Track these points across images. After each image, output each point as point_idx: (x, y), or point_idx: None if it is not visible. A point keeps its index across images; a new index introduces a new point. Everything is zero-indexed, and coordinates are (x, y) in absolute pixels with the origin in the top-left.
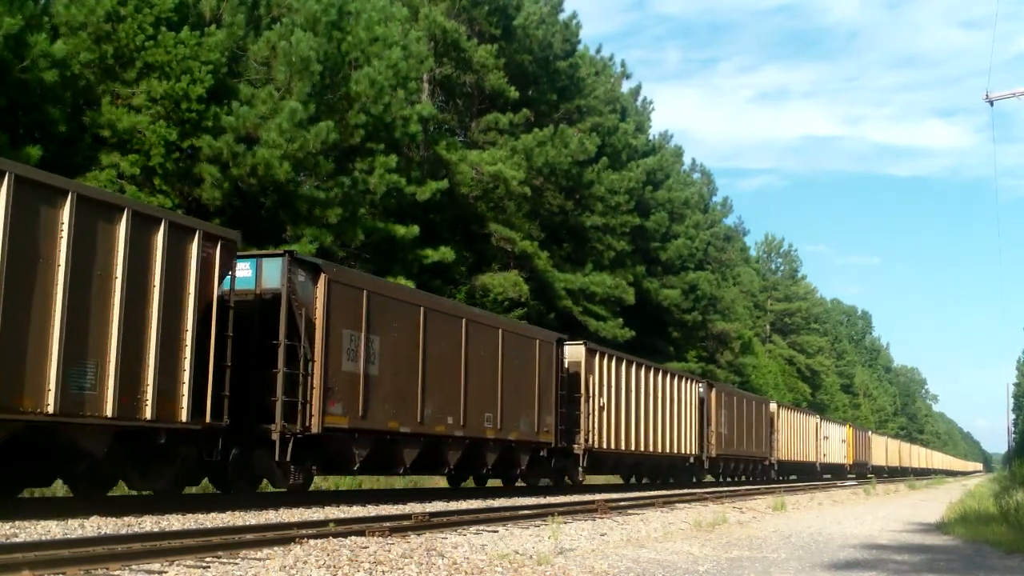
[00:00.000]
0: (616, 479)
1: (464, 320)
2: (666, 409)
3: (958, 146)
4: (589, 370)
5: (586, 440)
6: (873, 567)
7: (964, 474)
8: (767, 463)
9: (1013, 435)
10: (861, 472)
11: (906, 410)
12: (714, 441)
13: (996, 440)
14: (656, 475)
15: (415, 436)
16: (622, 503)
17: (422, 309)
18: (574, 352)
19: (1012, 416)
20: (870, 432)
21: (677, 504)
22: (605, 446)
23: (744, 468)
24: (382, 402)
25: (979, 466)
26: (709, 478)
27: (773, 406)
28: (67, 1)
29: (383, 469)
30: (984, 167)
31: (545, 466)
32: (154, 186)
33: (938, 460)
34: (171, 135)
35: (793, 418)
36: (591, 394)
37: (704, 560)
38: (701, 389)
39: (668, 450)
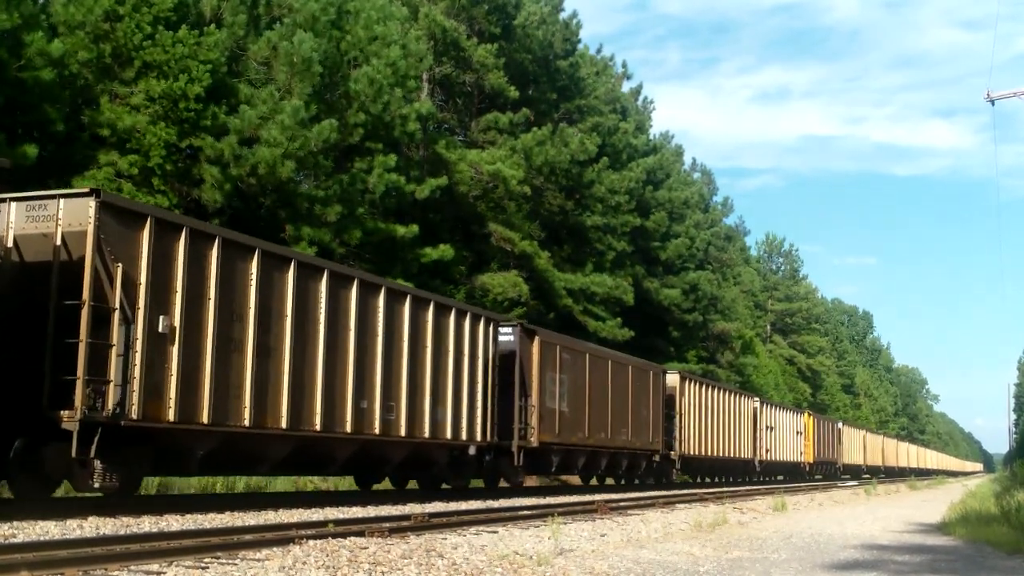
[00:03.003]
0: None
1: None
2: (395, 358)
3: (958, 146)
4: (121, 256)
5: (120, 406)
6: (874, 567)
7: (964, 474)
8: (658, 459)
9: (1014, 435)
10: (829, 473)
11: (907, 410)
12: (535, 422)
13: (996, 440)
14: (379, 472)
15: None
16: (622, 503)
17: None
18: (73, 212)
19: (1013, 416)
20: (840, 424)
21: (678, 504)
22: (188, 418)
23: (610, 464)
24: None
25: (979, 466)
26: (552, 482)
27: (673, 378)
28: (65, 0)
29: None
30: (984, 167)
31: None
32: (152, 186)
33: (933, 459)
34: (170, 135)
35: (711, 397)
36: (133, 308)
37: (705, 561)
38: (509, 337)
39: (413, 432)
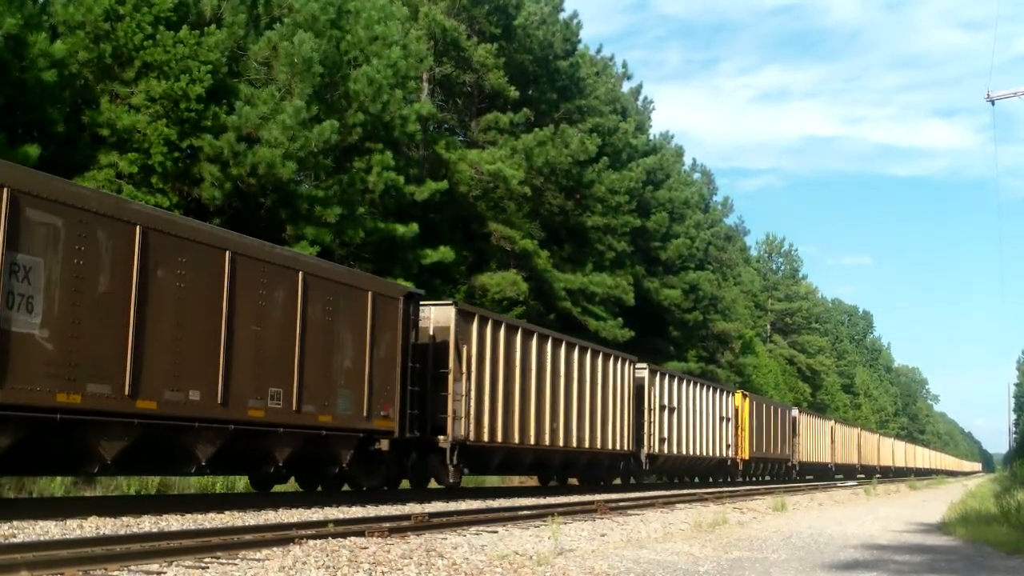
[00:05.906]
0: None
1: None
2: None
3: (958, 146)
4: None
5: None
6: (874, 567)
7: (962, 474)
8: (385, 446)
9: (1014, 435)
10: (778, 473)
11: (907, 410)
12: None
13: (996, 440)
14: None
15: None
16: (622, 503)
17: None
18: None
19: (1013, 416)
20: (795, 411)
21: (677, 505)
22: None
23: (245, 452)
24: None
25: (977, 466)
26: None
27: (444, 313)
28: (65, 0)
29: None
30: (984, 167)
31: None
32: (152, 185)
33: (925, 458)
34: (171, 135)
35: (542, 354)
36: None
37: (705, 560)
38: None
39: None
